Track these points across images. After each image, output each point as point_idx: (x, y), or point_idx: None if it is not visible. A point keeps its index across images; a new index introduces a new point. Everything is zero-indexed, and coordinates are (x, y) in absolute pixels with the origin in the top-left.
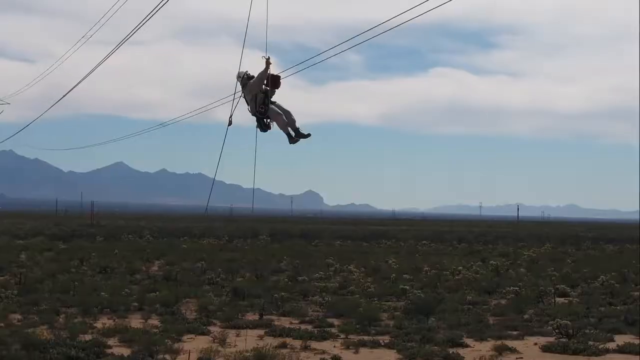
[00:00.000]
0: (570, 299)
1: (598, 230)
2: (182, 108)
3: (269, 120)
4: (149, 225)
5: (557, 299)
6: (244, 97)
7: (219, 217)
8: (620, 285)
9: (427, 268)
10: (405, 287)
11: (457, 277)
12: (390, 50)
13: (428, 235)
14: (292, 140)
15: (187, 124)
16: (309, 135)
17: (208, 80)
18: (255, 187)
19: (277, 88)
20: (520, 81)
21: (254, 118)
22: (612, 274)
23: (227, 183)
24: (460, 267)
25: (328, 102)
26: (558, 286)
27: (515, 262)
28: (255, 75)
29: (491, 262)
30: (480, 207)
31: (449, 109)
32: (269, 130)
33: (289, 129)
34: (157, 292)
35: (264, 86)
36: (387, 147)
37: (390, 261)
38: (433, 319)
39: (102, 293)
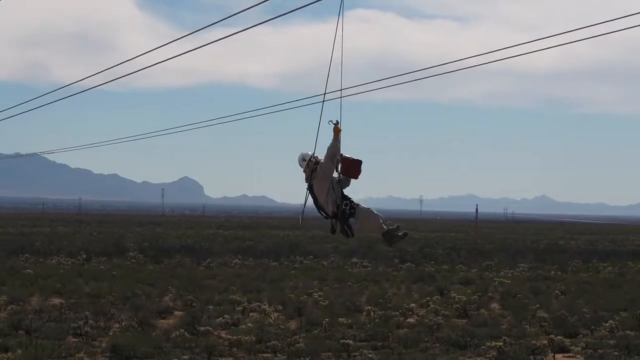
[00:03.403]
0: (573, 356)
1: (582, 235)
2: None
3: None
4: None
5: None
6: (313, 191)
7: (67, 215)
8: (636, 334)
9: (368, 307)
10: (347, 341)
11: (410, 320)
12: None
13: (356, 248)
14: (390, 244)
15: (13, 83)
16: (405, 235)
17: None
18: (111, 172)
19: (356, 178)
20: (470, 28)
21: (324, 217)
22: (622, 314)
23: (72, 167)
24: (413, 305)
25: (208, 57)
26: (553, 336)
27: (485, 294)
28: (324, 156)
29: (452, 294)
30: (421, 201)
31: (372, 65)
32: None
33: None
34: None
35: (336, 172)
36: (289, 119)
37: (315, 294)
38: None
39: None
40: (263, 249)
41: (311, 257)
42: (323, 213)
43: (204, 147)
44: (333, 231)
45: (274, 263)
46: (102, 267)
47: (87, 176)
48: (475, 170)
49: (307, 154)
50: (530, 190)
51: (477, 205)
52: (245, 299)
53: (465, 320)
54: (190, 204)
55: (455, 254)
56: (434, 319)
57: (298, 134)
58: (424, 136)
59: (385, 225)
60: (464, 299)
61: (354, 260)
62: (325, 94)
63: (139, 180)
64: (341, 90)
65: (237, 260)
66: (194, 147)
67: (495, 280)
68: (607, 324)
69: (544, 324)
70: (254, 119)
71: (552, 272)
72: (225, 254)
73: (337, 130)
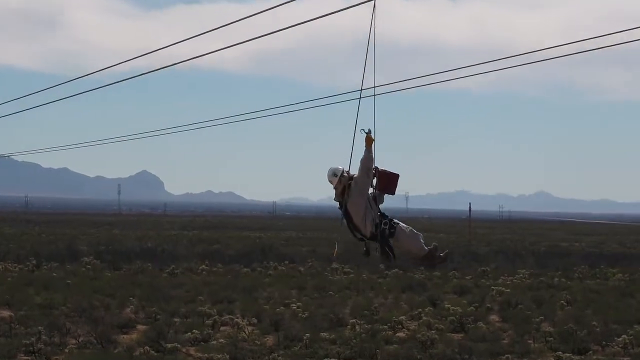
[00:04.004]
0: None
1: (587, 236)
2: None
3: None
4: None
5: None
6: (347, 210)
7: (13, 215)
8: None
9: (353, 320)
10: (331, 359)
11: (400, 335)
12: None
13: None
14: (432, 267)
15: None
16: (447, 256)
17: None
18: (61, 166)
19: (392, 193)
20: (461, 6)
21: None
22: (636, 327)
23: (19, 161)
24: (403, 317)
25: (171, 35)
26: (560, 353)
27: (482, 305)
28: (359, 170)
29: (446, 305)
30: (407, 197)
31: (354, 47)
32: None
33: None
34: None
35: (371, 188)
36: (262, 106)
37: (293, 304)
38: None
39: None
40: (232, 253)
41: (286, 262)
42: (358, 234)
43: (164, 139)
44: (367, 254)
45: (245, 269)
46: (54, 274)
47: (34, 171)
48: (467, 163)
49: (339, 169)
50: (528, 186)
51: (470, 203)
52: (215, 310)
53: (462, 335)
54: (150, 201)
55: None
56: (427, 333)
57: (269, 124)
58: (409, 127)
59: (426, 246)
60: (460, 310)
61: (335, 265)
62: (361, 90)
63: (92, 175)
64: (374, 87)
65: (204, 266)
66: (154, 138)
67: (493, 289)
68: (620, 339)
69: (550, 338)
70: (226, 107)
71: (556, 279)
72: (191, 258)
73: (369, 140)
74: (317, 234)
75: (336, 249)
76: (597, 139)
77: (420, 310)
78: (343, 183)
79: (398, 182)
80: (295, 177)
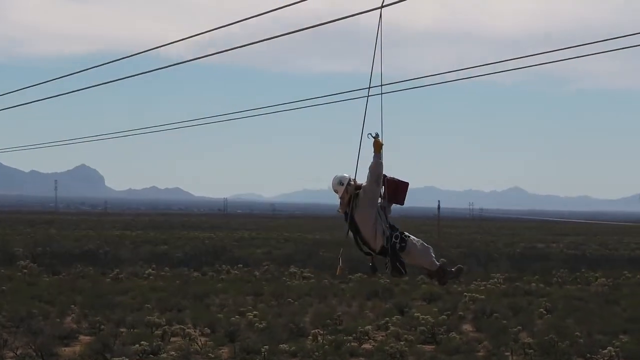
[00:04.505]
0: None
1: (566, 236)
2: None
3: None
4: None
5: None
6: (354, 222)
7: None
8: None
9: (315, 330)
10: None
11: (367, 346)
12: None
13: (294, 253)
14: (443, 282)
15: None
16: (460, 271)
17: None
18: None
19: (401, 204)
20: None
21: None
22: (622, 338)
23: None
24: (369, 327)
25: (109, 19)
26: None
27: (455, 313)
28: (368, 179)
29: (415, 313)
30: None
31: (314, 30)
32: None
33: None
34: None
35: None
36: (209, 94)
37: (249, 313)
38: None
39: None
40: (181, 255)
41: (240, 265)
42: (366, 248)
43: (105, 130)
44: (375, 270)
45: (196, 273)
46: None
47: None
48: (435, 158)
49: (345, 177)
50: (501, 182)
51: (439, 201)
52: (164, 319)
53: (434, 347)
54: (90, 197)
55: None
56: (396, 345)
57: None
58: (370, 119)
59: (437, 260)
60: (430, 319)
61: (293, 269)
62: (370, 87)
63: (26, 170)
64: (382, 86)
65: (150, 270)
66: (93, 130)
67: (465, 295)
68: (605, 351)
69: (529, 350)
70: (161, 95)
71: (534, 285)
72: (136, 261)
73: (378, 145)
74: (273, 233)
75: (340, 265)
76: (575, 133)
77: (387, 319)
78: (350, 193)
79: (407, 191)
80: (247, 172)
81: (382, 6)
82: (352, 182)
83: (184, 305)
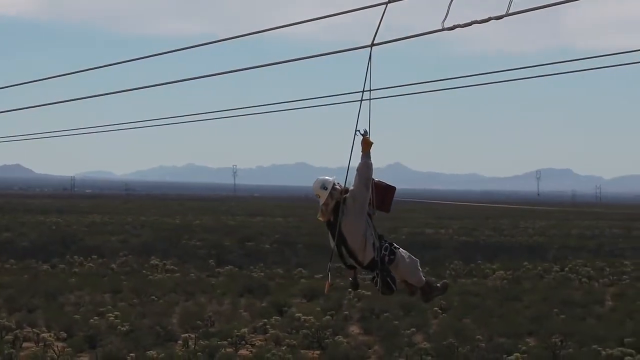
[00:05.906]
0: None
1: (454, 220)
2: None
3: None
4: None
5: None
6: (341, 231)
7: None
8: None
9: (185, 334)
10: None
11: (244, 353)
12: None
13: (153, 241)
14: (428, 299)
15: None
16: (446, 287)
17: None
18: None
19: (387, 211)
20: None
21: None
22: (528, 341)
23: None
24: (245, 330)
25: None
26: None
27: (340, 312)
28: (356, 181)
29: (296, 313)
30: (235, 171)
31: None
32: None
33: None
34: None
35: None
36: (56, 59)
37: (109, 314)
38: None
39: None
40: (27, 244)
41: (94, 256)
42: (350, 261)
43: None
44: (356, 286)
45: (45, 266)
46: None
47: None
48: (306, 134)
49: (328, 180)
50: (378, 158)
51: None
52: (14, 322)
53: (319, 352)
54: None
55: (290, 250)
56: (277, 351)
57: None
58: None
59: (424, 276)
60: (314, 320)
61: (154, 261)
62: (364, 91)
63: None
64: (370, 90)
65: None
66: None
67: (350, 292)
68: (511, 357)
69: (426, 357)
70: (6, 59)
71: (508, 271)
72: None
73: (367, 144)
74: (128, 217)
75: (329, 281)
76: (462, 104)
77: (265, 320)
78: (335, 198)
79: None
80: (97, 147)
81: (372, 45)
82: (338, 186)
83: (35, 304)
